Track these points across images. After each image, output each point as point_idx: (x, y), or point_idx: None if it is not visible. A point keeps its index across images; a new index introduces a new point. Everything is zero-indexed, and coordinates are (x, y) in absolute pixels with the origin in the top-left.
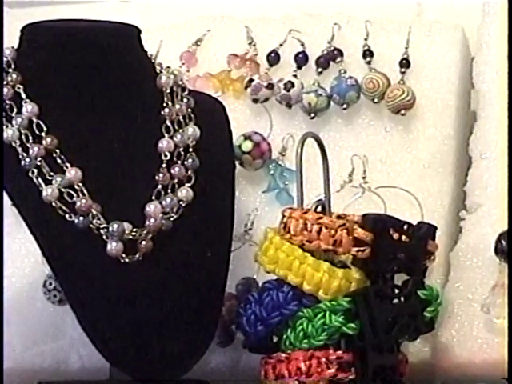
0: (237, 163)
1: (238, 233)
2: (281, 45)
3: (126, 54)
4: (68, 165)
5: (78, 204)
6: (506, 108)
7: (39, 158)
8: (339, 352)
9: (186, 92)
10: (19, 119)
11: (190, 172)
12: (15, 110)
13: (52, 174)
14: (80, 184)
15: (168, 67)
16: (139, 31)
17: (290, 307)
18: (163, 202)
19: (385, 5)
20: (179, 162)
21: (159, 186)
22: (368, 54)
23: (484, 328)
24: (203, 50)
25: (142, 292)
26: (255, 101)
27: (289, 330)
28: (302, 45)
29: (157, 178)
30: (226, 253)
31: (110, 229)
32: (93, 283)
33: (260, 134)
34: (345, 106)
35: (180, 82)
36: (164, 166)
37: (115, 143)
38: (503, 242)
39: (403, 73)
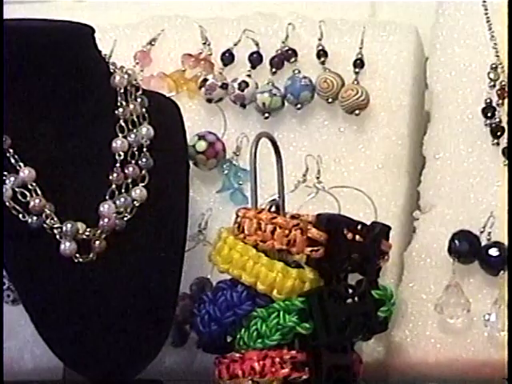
0: (191, 163)
1: (192, 233)
2: (235, 45)
3: (79, 54)
4: (21, 164)
5: (32, 204)
6: (459, 108)
7: None
8: (293, 352)
9: (140, 92)
10: None
11: (143, 172)
12: None
13: (5, 173)
14: (33, 184)
15: (122, 67)
16: (93, 30)
17: (244, 307)
18: (117, 202)
19: (339, 5)
20: (133, 161)
21: (113, 186)
22: (322, 54)
23: (437, 328)
24: (157, 50)
25: (95, 292)
26: (209, 100)
27: (243, 330)
28: (257, 45)
29: (111, 177)
30: (179, 252)
31: (64, 229)
32: (46, 283)
33: (214, 134)
34: (299, 105)
35: (134, 82)
36: (118, 165)
37: (69, 143)
38: (457, 241)
39: (357, 73)
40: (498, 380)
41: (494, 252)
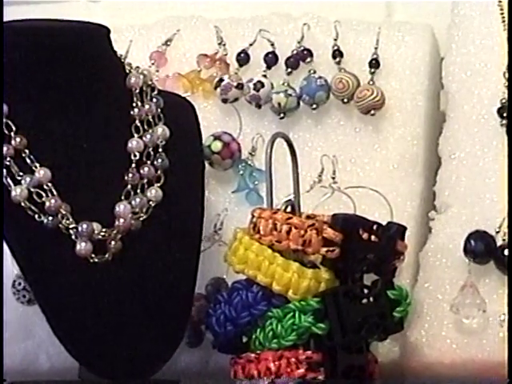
0: (206, 163)
1: (207, 233)
2: (250, 45)
3: (95, 54)
4: (37, 165)
5: (47, 204)
6: (474, 108)
7: (8, 158)
8: (309, 352)
9: (156, 92)
10: None
11: (159, 172)
12: None
13: (21, 173)
14: (49, 184)
15: (137, 67)
16: (108, 31)
17: (260, 307)
18: (132, 202)
19: (354, 5)
20: (149, 162)
21: (128, 186)
22: (338, 54)
23: (453, 328)
24: (173, 50)
25: (111, 292)
26: (225, 101)
27: (258, 330)
28: (272, 45)
29: (126, 178)
30: (195, 253)
31: (80, 229)
32: (62, 283)
33: (230, 134)
34: (314, 106)
35: (149, 82)
36: (133, 166)
37: (84, 143)
38: (472, 242)
39: (373, 73)
40: None
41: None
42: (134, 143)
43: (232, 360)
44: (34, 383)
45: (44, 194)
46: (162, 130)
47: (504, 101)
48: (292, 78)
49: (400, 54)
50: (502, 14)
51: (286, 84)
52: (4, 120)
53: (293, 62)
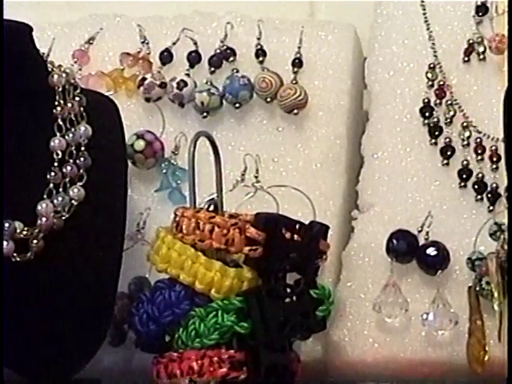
0: (129, 162)
1: (130, 232)
2: (174, 44)
3: (17, 52)
4: None
5: None
6: (397, 108)
7: None
8: (231, 351)
9: (78, 90)
10: None
11: (81, 171)
12: None
13: None
14: None
15: (60, 65)
16: (31, 29)
17: (182, 306)
18: (55, 201)
19: (277, 4)
20: (71, 160)
21: (51, 185)
22: (261, 53)
23: (375, 327)
24: (96, 49)
25: (33, 291)
26: (148, 100)
27: (181, 330)
28: (195, 44)
29: (48, 176)
30: (118, 252)
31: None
32: None
33: (152, 133)
34: (237, 105)
35: (72, 81)
36: (56, 164)
37: (6, 142)
38: (394, 241)
39: (296, 72)
40: (436, 379)
41: (431, 251)
42: (57, 142)
43: (155, 359)
44: None
45: None
46: (84, 128)
47: (426, 100)
48: (215, 77)
49: (323, 53)
50: (425, 13)
51: (209, 83)
52: None
53: (216, 61)
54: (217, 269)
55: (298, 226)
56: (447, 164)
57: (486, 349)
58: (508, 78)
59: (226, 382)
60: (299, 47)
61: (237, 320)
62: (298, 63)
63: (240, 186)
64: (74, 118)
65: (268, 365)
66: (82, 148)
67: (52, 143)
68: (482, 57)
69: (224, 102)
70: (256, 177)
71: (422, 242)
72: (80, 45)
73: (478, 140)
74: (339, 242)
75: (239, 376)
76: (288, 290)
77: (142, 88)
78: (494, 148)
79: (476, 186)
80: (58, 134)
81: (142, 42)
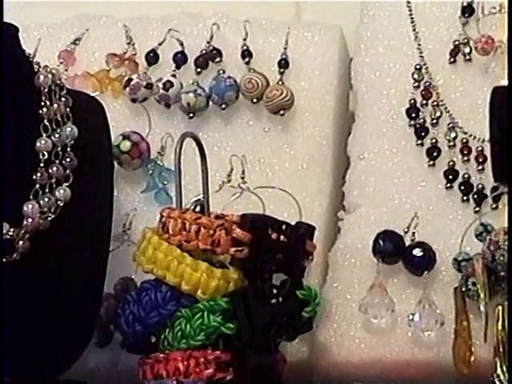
0: (115, 163)
1: (116, 233)
2: (160, 44)
3: (2, 53)
4: None
5: None
6: (383, 109)
7: None
8: (217, 352)
9: (65, 91)
10: None
11: (68, 171)
12: None
13: None
14: None
15: (46, 66)
16: (17, 30)
17: (169, 307)
18: (41, 202)
19: (263, 5)
20: (57, 161)
21: (37, 186)
22: (247, 54)
23: (362, 328)
24: (82, 49)
25: (18, 292)
26: (134, 100)
27: (167, 330)
28: (181, 44)
29: (34, 177)
30: (104, 253)
31: None
32: None
33: (139, 134)
34: (224, 106)
35: (58, 81)
36: (42, 165)
37: None
38: (381, 242)
39: (282, 73)
40: (422, 379)
41: (417, 252)
42: (43, 142)
43: (141, 360)
44: None
45: None
46: (70, 129)
47: (412, 101)
48: (201, 78)
49: (309, 54)
50: (411, 14)
51: (195, 84)
52: None
53: (202, 62)
54: (203, 270)
55: (284, 227)
56: (433, 165)
57: (472, 349)
58: (508, 78)
59: (212, 382)
60: (285, 48)
61: (223, 321)
62: (284, 64)
63: (226, 186)
64: (60, 119)
65: (254, 366)
66: (68, 149)
67: (38, 144)
68: (467, 58)
69: (210, 102)
70: (242, 177)
71: (408, 242)
72: (66, 45)
73: (464, 141)
74: (325, 243)
75: (225, 377)
76: (274, 291)
77: (128, 89)
78: (480, 149)
79: (462, 187)
80: (44, 135)
81: (128, 43)
